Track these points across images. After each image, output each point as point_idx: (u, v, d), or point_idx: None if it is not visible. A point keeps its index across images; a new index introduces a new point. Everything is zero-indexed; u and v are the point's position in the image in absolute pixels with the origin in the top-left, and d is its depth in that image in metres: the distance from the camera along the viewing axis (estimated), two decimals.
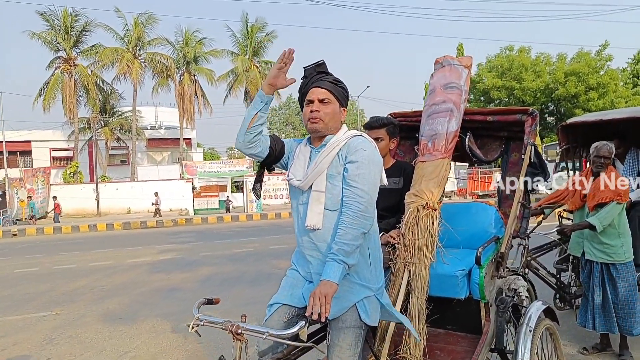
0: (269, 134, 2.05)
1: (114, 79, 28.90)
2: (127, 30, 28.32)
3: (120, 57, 27.34)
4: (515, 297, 2.60)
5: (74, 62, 27.92)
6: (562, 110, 26.63)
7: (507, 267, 2.67)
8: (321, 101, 1.93)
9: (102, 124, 29.84)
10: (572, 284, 4.09)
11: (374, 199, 1.86)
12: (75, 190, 24.23)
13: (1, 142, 25.12)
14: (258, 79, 30.13)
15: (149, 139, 32.80)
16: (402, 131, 3.11)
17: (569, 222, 3.98)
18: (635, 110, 4.44)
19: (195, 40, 29.87)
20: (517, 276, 2.69)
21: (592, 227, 3.32)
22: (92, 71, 28.42)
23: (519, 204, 2.57)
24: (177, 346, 4.33)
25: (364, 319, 1.88)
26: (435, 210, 2.48)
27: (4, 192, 22.88)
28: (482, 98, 28.73)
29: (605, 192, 3.33)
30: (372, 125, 2.72)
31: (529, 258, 3.69)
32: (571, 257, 3.90)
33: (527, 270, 3.54)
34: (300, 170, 1.97)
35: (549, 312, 2.60)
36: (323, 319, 1.67)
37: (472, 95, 29.81)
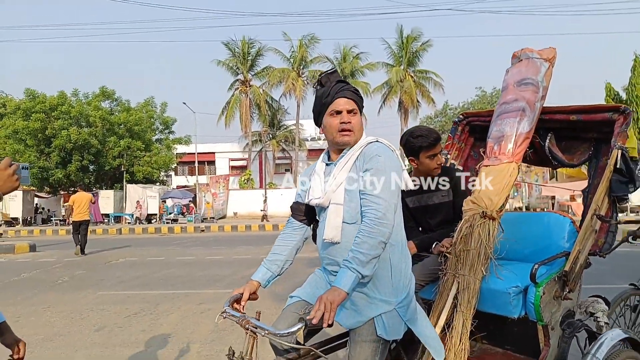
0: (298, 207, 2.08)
1: (281, 96, 32.22)
2: (293, 51, 31.24)
3: (286, 77, 30.33)
4: (591, 323, 2.22)
5: (249, 84, 31.97)
6: None
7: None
8: (349, 112, 1.89)
9: (270, 136, 33.41)
10: None
11: (393, 206, 1.77)
12: (248, 195, 27.58)
13: (194, 153, 30.06)
14: (412, 89, 30.04)
15: (309, 150, 35.45)
16: (476, 132, 2.92)
17: None
18: None
19: (352, 55, 31.32)
20: (597, 298, 2.29)
21: None
22: (263, 90, 32.11)
23: (594, 216, 2.19)
24: None
25: (381, 334, 1.81)
26: (493, 219, 2.28)
27: (195, 196, 27.48)
28: None
29: None
30: (436, 138, 2.49)
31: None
32: None
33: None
34: (319, 188, 1.95)
35: (633, 343, 2.15)
36: (325, 325, 1.65)
37: None
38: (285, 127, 34.72)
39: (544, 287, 2.10)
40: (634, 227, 3.18)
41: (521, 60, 2.62)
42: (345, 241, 1.83)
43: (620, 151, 2.21)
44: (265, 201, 25.09)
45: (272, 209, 26.38)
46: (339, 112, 1.89)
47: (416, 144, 2.49)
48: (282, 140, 33.71)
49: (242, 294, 1.96)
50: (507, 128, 2.44)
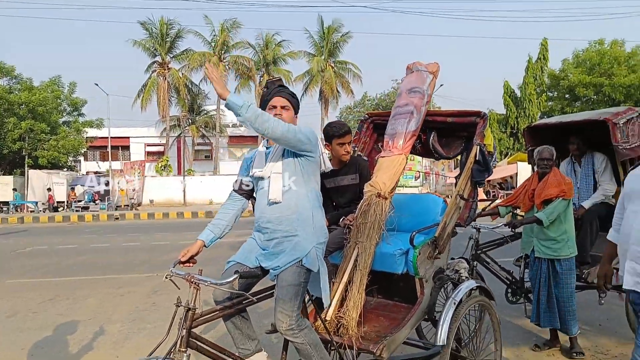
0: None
1: (201, 80, 31.49)
2: (214, 35, 30.65)
3: (207, 61, 29.70)
4: (456, 277, 2.93)
5: (167, 66, 30.85)
6: None
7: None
8: (282, 107, 2.45)
9: (190, 122, 32.62)
10: (525, 279, 4.12)
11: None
12: (165, 181, 26.84)
13: (107, 138, 28.50)
14: (333, 79, 31.00)
15: (230, 136, 35.16)
16: (379, 129, 3.54)
17: None
18: (591, 113, 4.41)
19: (274, 43, 31.47)
20: (461, 259, 3.02)
21: (539, 222, 3.49)
22: (182, 74, 31.17)
23: (458, 196, 2.90)
24: None
25: (308, 264, 2.37)
26: (386, 199, 2.90)
27: (108, 182, 26.20)
28: (566, 96, 26.94)
29: (550, 189, 3.47)
30: (345, 131, 3.08)
31: (479, 251, 3.91)
32: (524, 254, 4.04)
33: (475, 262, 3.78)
34: (261, 165, 2.50)
35: (484, 291, 2.90)
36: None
37: (555, 93, 28.04)
38: (205, 112, 34.04)
39: (420, 249, 2.76)
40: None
41: (412, 71, 3.26)
42: (285, 200, 2.40)
43: (478, 147, 2.93)
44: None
45: (192, 196, 26.00)
46: (274, 107, 2.45)
47: (330, 132, 3.10)
48: (202, 126, 33.07)
49: (185, 255, 2.43)
50: (399, 127, 3.06)
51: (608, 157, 4.14)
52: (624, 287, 2.24)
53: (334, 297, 2.79)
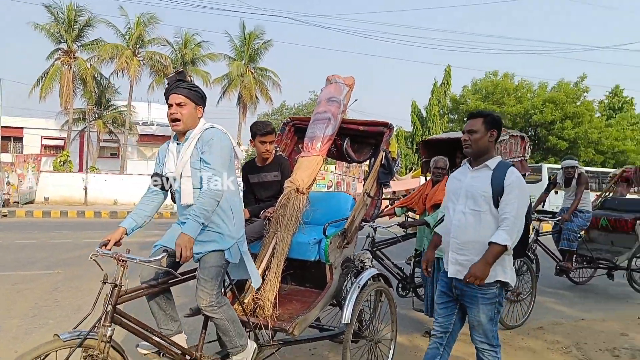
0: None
1: (111, 74, 29.66)
2: (129, 28, 29.13)
3: (119, 54, 28.11)
4: (360, 265, 3.35)
5: (74, 55, 28.66)
6: (539, 136, 27.63)
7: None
8: (178, 105, 2.48)
9: (96, 116, 30.53)
10: (415, 276, 4.68)
11: (225, 174, 2.50)
12: (64, 178, 24.80)
13: None
14: (252, 84, 31.02)
15: (140, 134, 33.44)
16: (299, 132, 3.89)
17: None
18: None
19: (194, 43, 30.75)
20: (366, 251, 3.45)
21: (427, 224, 4.09)
22: (91, 65, 29.15)
23: (365, 194, 3.33)
24: None
25: (229, 258, 2.57)
26: (303, 194, 3.24)
27: None
28: (465, 119, 29.55)
29: (439, 195, 4.09)
30: (268, 131, 3.41)
31: (374, 248, 4.40)
32: (415, 251, 4.65)
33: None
34: (172, 164, 2.59)
35: (383, 279, 3.36)
36: (188, 260, 2.37)
37: (456, 116, 30.80)
38: (114, 107, 32.06)
39: (331, 239, 3.12)
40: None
41: (331, 83, 3.66)
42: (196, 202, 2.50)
43: (384, 153, 3.39)
44: None
45: (94, 196, 24.32)
46: (171, 105, 2.53)
47: (254, 130, 3.40)
48: (110, 122, 31.09)
49: (109, 240, 2.50)
50: (318, 131, 3.44)
51: None
52: (449, 275, 2.57)
53: (251, 283, 3.05)
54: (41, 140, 32.32)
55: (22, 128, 31.50)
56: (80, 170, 27.82)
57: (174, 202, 2.70)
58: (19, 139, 31.74)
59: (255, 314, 2.96)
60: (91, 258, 2.34)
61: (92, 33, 29.33)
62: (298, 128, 3.91)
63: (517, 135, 4.90)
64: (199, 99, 2.59)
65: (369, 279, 3.21)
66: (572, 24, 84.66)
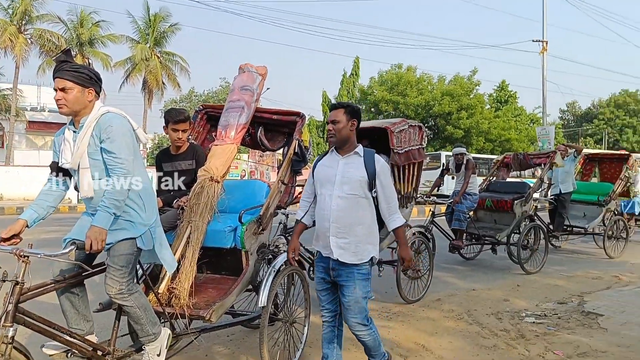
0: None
1: None
2: (13, 1, 26.01)
3: (2, 30, 25.01)
4: (276, 250, 3.46)
5: None
6: (438, 126, 29.79)
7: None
8: (62, 90, 2.31)
9: None
10: None
11: (130, 160, 2.40)
12: None
13: None
14: (158, 69, 29.43)
15: (29, 121, 30.20)
16: (212, 120, 3.87)
17: None
18: (377, 122, 5.53)
19: (91, 22, 28.31)
20: (281, 236, 3.57)
21: None
22: None
23: (279, 181, 3.45)
24: None
25: (141, 246, 2.51)
26: (218, 182, 3.25)
27: None
28: (372, 109, 31.00)
29: None
30: (180, 119, 3.38)
31: (286, 234, 4.45)
32: None
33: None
34: (69, 153, 2.43)
35: (297, 262, 3.50)
36: (100, 252, 2.28)
37: (364, 106, 32.03)
38: None
39: (247, 225, 3.19)
40: None
41: (244, 71, 3.68)
42: (98, 194, 2.41)
43: (297, 141, 3.51)
44: None
45: None
46: (55, 91, 2.37)
47: (167, 116, 3.39)
48: None
49: (8, 234, 2.33)
50: (231, 119, 3.45)
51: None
52: (334, 257, 2.63)
53: (166, 273, 3.02)
54: None
55: None
56: None
57: (77, 191, 2.57)
58: None
59: (170, 304, 2.94)
60: None
61: None
62: (211, 116, 3.89)
63: (415, 125, 5.29)
64: (87, 80, 2.39)
65: (283, 264, 3.33)
66: (465, 23, 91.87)
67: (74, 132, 2.43)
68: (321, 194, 2.73)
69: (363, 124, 5.77)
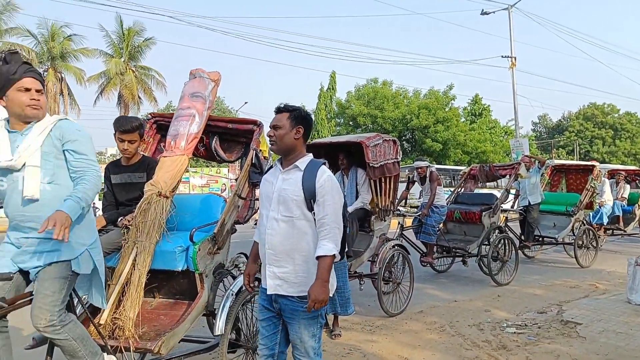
0: None
1: None
2: None
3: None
4: (236, 271, 3.18)
5: None
6: (416, 139, 29.95)
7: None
8: (37, 91, 2.22)
9: None
10: None
11: (95, 163, 2.32)
12: None
13: None
14: (134, 83, 28.94)
15: None
16: (162, 130, 3.59)
17: None
18: (352, 137, 5.43)
19: (63, 35, 27.73)
20: (241, 254, 3.29)
21: None
22: None
23: (236, 194, 3.18)
24: None
25: (77, 270, 2.25)
26: (167, 198, 2.96)
27: None
28: (350, 123, 31.01)
29: None
30: (127, 129, 3.09)
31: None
32: None
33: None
34: (5, 153, 2.17)
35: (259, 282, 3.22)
36: (64, 239, 2.00)
37: (342, 120, 32.05)
38: None
39: (200, 245, 2.90)
40: None
41: (195, 77, 3.39)
42: (44, 198, 2.17)
43: (254, 151, 3.26)
44: None
45: None
46: (28, 90, 2.20)
47: (114, 125, 3.11)
48: None
49: None
50: (181, 128, 3.16)
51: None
52: (267, 292, 2.25)
53: (109, 300, 2.71)
54: None
55: None
56: None
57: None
58: None
59: (114, 336, 2.63)
60: None
61: None
62: (160, 125, 3.60)
63: (389, 140, 5.21)
64: (45, 88, 2.37)
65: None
66: (437, 39, 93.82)
67: (11, 132, 2.23)
68: (260, 214, 2.37)
69: (338, 138, 5.74)
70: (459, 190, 8.13)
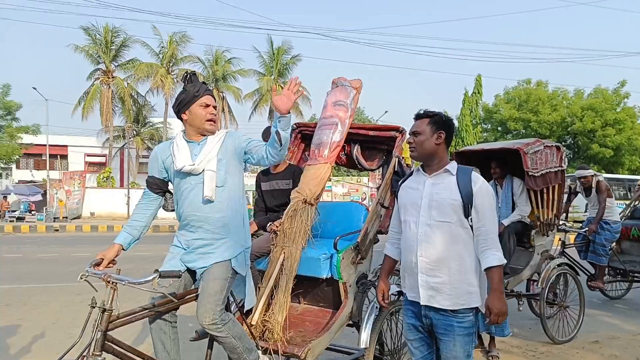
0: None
1: (147, 91, 30.68)
2: (162, 47, 30.10)
3: (154, 72, 29.04)
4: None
5: (112, 75, 29.86)
6: (579, 144, 26.34)
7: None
8: (214, 107, 2.49)
9: (135, 133, 31.55)
10: None
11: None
12: (107, 194, 25.54)
13: (45, 145, 26.89)
14: None
15: None
16: (306, 139, 3.69)
17: None
18: (507, 143, 4.86)
19: (224, 59, 31.41)
20: None
21: None
22: (128, 84, 30.27)
23: (378, 203, 3.08)
24: None
25: (237, 268, 2.40)
26: (312, 205, 3.02)
27: (46, 192, 24.62)
28: (499, 128, 28.74)
29: None
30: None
31: None
32: None
33: None
34: (186, 158, 2.41)
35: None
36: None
37: (489, 125, 29.86)
38: (151, 124, 33.09)
39: (344, 253, 2.86)
40: None
41: (337, 86, 3.41)
42: (217, 201, 2.38)
43: (397, 159, 3.13)
44: None
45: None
46: (207, 105, 2.45)
47: (263, 136, 3.22)
48: (148, 138, 32.07)
49: (102, 259, 2.33)
50: (325, 137, 3.19)
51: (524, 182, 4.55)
52: (421, 303, 2.13)
53: (259, 302, 2.82)
54: (84, 158, 33.73)
55: (66, 146, 33.00)
56: (121, 185, 28.70)
57: (168, 210, 2.54)
58: (64, 157, 33.24)
59: (264, 337, 2.74)
60: (81, 279, 2.14)
61: (128, 53, 30.58)
62: (305, 135, 3.71)
63: (552, 146, 4.61)
64: None
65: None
66: (607, 31, 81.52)
67: (189, 142, 2.48)
68: (405, 222, 2.24)
69: (491, 145, 5.24)
70: (636, 203, 6.86)
